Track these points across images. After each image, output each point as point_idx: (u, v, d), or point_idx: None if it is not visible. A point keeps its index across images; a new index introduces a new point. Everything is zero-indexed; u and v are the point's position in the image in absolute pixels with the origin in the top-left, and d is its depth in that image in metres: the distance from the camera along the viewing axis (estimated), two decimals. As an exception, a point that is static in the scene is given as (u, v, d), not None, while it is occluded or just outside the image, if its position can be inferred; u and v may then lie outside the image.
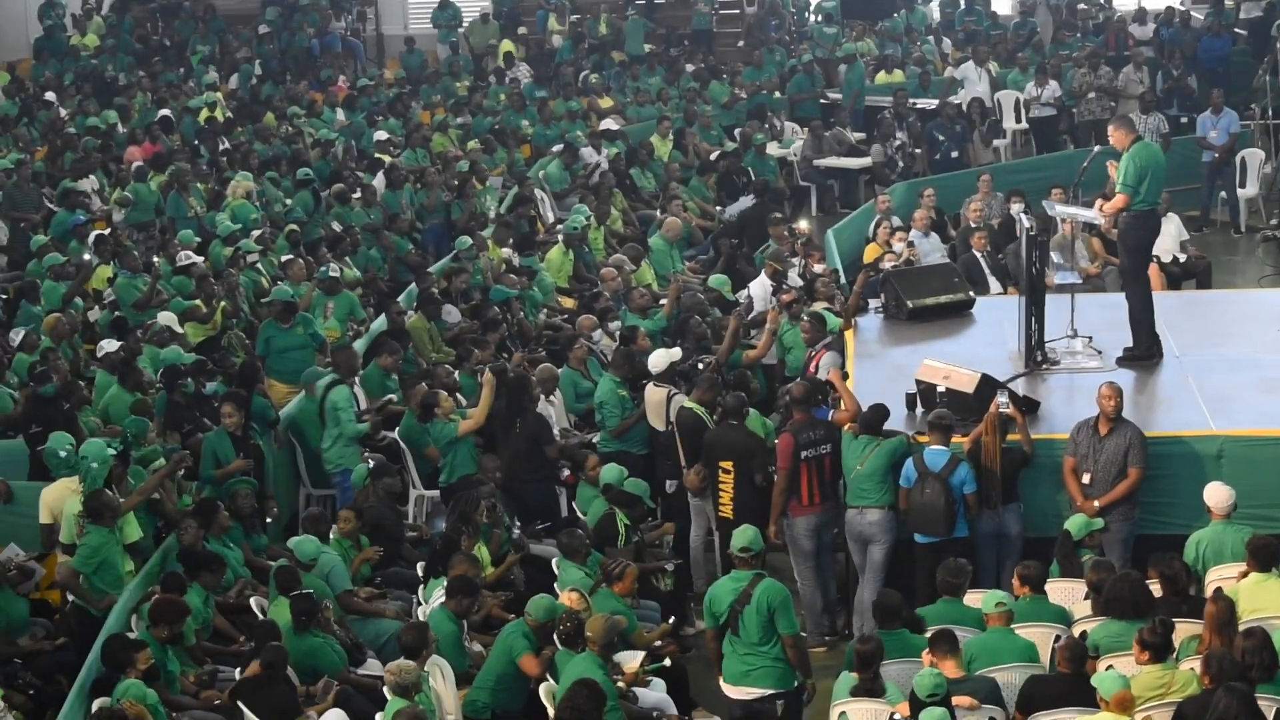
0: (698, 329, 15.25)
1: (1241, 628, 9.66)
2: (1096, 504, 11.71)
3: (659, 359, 13.80)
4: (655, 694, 10.73)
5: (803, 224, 20.39)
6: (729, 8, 31.71)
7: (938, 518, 11.66)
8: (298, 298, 16.17)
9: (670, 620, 11.54)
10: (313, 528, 12.22)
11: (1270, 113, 23.11)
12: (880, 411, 12.09)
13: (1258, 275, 19.75)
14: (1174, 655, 9.70)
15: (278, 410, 14.60)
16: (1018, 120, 25.31)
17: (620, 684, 10.30)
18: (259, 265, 18.05)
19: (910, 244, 17.72)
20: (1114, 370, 13.30)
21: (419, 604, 11.73)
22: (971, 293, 15.62)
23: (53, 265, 17.34)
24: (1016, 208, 17.80)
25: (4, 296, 17.44)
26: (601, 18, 30.63)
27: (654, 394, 13.56)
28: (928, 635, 10.02)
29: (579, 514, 13.08)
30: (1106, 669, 9.43)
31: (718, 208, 21.80)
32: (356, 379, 14.73)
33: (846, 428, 12.16)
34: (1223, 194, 21.95)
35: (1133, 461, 11.77)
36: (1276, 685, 9.24)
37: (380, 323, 16.58)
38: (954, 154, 23.16)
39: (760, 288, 16.37)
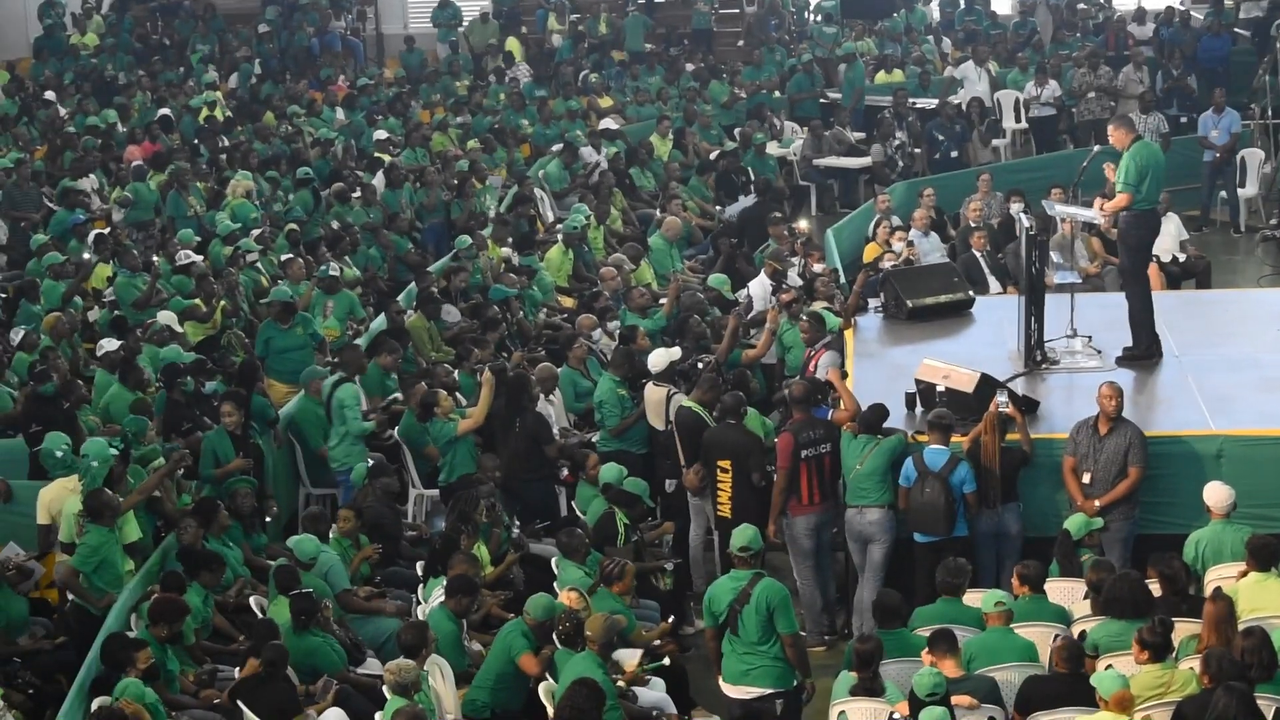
0: (697, 328, 15.25)
1: (1241, 627, 9.67)
2: (1097, 503, 11.71)
3: (658, 358, 13.80)
4: (655, 693, 10.73)
5: (802, 223, 20.38)
6: (729, 7, 31.71)
7: (937, 517, 11.66)
8: (296, 297, 16.17)
9: (669, 619, 11.53)
10: (312, 527, 12.23)
11: (1270, 112, 23.11)
12: (879, 411, 12.10)
13: (1257, 275, 19.75)
14: (1173, 655, 9.70)
15: (277, 409, 14.59)
16: (1017, 120, 25.31)
17: (620, 683, 10.31)
18: (259, 264, 18.05)
19: (910, 243, 17.71)
20: (1113, 370, 13.31)
21: (418, 603, 11.73)
22: (971, 292, 15.62)
23: (52, 264, 17.35)
24: (1016, 207, 17.81)
25: (4, 295, 17.44)
26: (601, 17, 30.63)
27: (653, 393, 13.56)
28: (926, 635, 10.02)
29: (578, 513, 13.08)
30: (1106, 668, 9.43)
31: (717, 207, 21.80)
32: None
33: (846, 427, 12.16)
34: (1222, 194, 21.94)
35: (1133, 461, 11.77)
36: (1276, 685, 9.24)
37: (380, 322, 16.58)
38: (953, 154, 23.17)
39: (760, 287, 16.37)
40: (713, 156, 23.16)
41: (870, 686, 9.67)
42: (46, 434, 12.93)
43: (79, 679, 10.46)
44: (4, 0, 31.39)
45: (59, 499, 12.30)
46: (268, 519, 13.31)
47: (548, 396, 14.43)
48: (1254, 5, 27.98)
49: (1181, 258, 18.26)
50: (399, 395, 14.67)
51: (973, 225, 18.20)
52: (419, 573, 12.15)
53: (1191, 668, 9.46)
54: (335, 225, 19.37)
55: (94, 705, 9.92)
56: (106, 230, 19.15)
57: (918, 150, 23.65)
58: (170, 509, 12.58)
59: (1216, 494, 11.27)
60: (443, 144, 23.99)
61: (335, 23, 31.49)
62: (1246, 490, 11.53)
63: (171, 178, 20.71)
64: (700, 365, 13.86)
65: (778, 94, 26.63)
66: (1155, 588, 10.49)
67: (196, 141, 23.71)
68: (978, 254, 17.62)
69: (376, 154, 22.93)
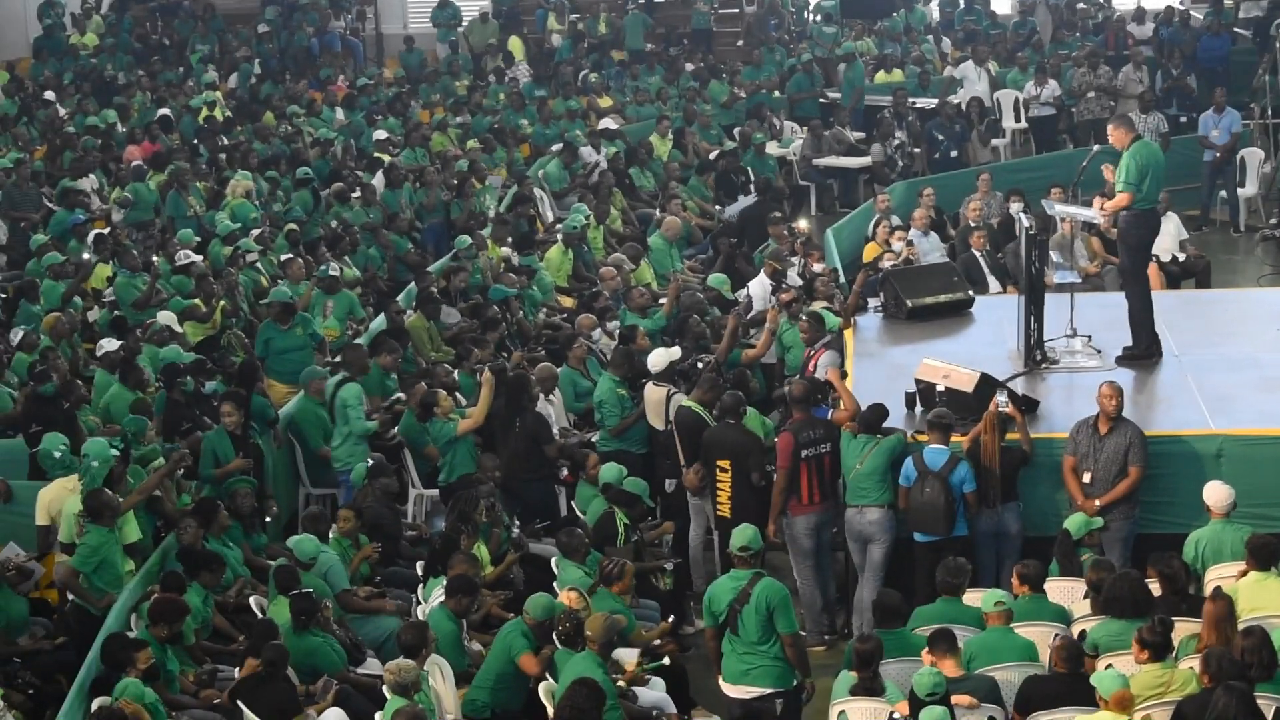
0: (697, 328, 15.25)
1: (1241, 626, 9.67)
2: (1097, 503, 11.71)
3: (658, 358, 13.79)
4: (655, 693, 10.74)
5: (802, 223, 20.38)
6: (728, 7, 31.70)
7: (937, 517, 11.66)
8: (296, 298, 16.17)
9: (669, 619, 11.53)
10: (312, 527, 12.22)
11: (1270, 112, 23.11)
12: (879, 411, 12.10)
13: (1257, 274, 19.75)
14: (1173, 654, 9.71)
15: (277, 410, 14.59)
16: (1017, 119, 25.31)
17: (620, 683, 10.31)
18: (258, 264, 18.05)
19: (909, 243, 17.71)
20: (1113, 369, 13.31)
21: (418, 603, 11.73)
22: (971, 292, 15.61)
23: (52, 264, 17.35)
24: (1016, 207, 17.81)
25: (3, 296, 17.44)
26: (601, 17, 30.63)
27: (653, 393, 13.56)
28: (926, 634, 10.02)
29: (578, 513, 13.07)
30: (1106, 668, 9.44)
31: (717, 207, 21.80)
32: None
33: (845, 427, 12.16)
34: (1222, 193, 21.94)
35: (1133, 460, 11.77)
36: (1276, 684, 9.24)
37: (379, 322, 16.58)
38: (953, 153, 23.17)
39: (759, 287, 16.37)
40: (712, 156, 23.16)
41: (870, 686, 9.67)
42: (44, 435, 12.93)
43: (79, 679, 10.46)
44: (3, 0, 31.39)
45: (59, 499, 12.30)
46: (268, 519, 13.31)
47: (547, 396, 14.43)
48: (1253, 5, 27.98)
49: (1181, 257, 18.26)
50: (402, 395, 14.67)
51: (972, 225, 18.20)
52: (419, 573, 12.15)
53: (1191, 667, 9.46)
54: (335, 225, 19.36)
55: (94, 705, 9.92)
56: (106, 230, 19.15)
57: (917, 150, 23.65)
58: (170, 509, 12.58)
59: (1216, 493, 11.27)
60: (442, 144, 23.99)
61: (335, 23, 31.50)
62: (1246, 490, 11.54)
63: (171, 178, 20.71)
64: (700, 365, 13.86)
65: (777, 94, 26.63)
66: (1155, 587, 10.50)
67: (196, 141, 23.72)
68: (977, 253, 17.62)
69: (376, 154, 22.94)
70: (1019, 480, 12.00)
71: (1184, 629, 9.98)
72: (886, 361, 14.11)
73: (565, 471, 13.77)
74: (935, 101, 24.53)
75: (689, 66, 28.06)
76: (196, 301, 16.67)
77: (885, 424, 12.07)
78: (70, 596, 11.65)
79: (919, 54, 27.69)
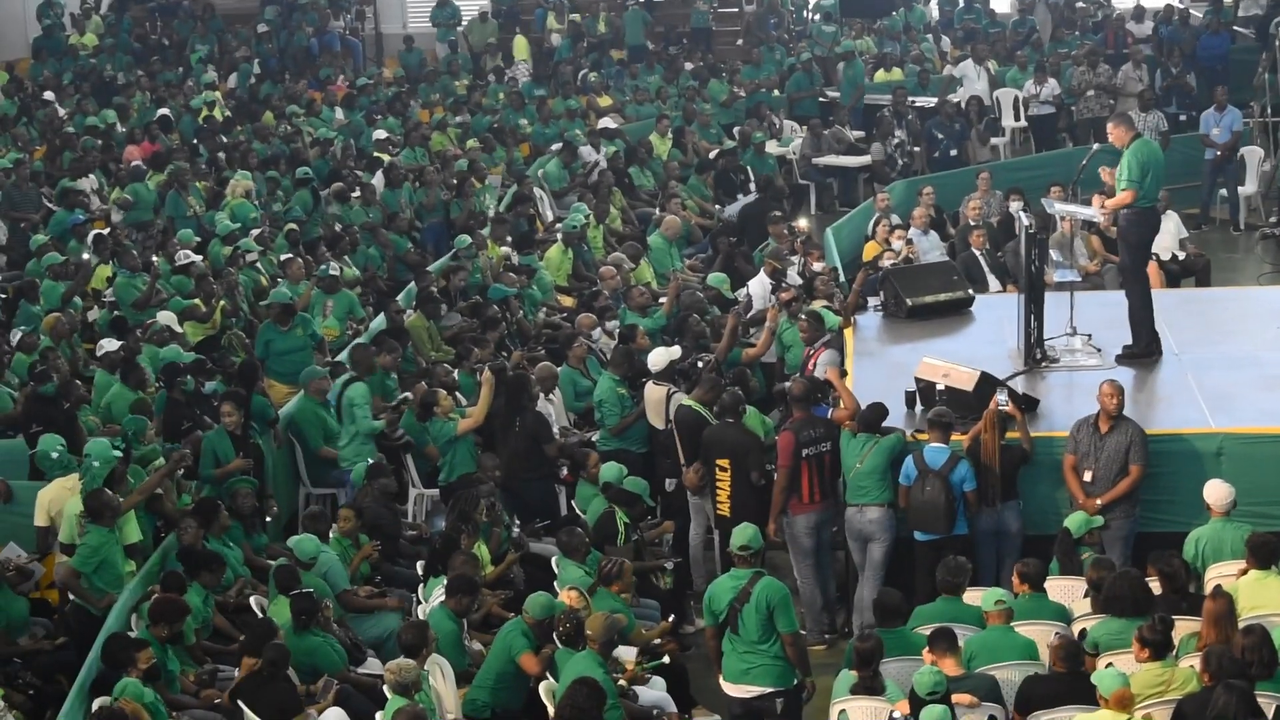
0: (696, 327, 15.25)
1: (1241, 625, 9.67)
2: (1099, 502, 11.71)
3: (658, 357, 13.79)
4: (655, 692, 10.74)
5: (802, 222, 20.37)
6: (728, 6, 31.70)
7: (938, 515, 11.67)
8: (295, 298, 16.16)
9: (670, 618, 11.54)
10: (312, 527, 12.23)
11: (1270, 110, 23.11)
12: (878, 409, 12.10)
13: (1257, 273, 19.74)
14: (1174, 653, 9.71)
15: (277, 410, 14.59)
16: (1017, 118, 25.31)
17: (620, 682, 10.31)
18: (258, 264, 18.05)
19: (909, 242, 17.70)
20: (1113, 368, 13.31)
21: (419, 603, 11.73)
22: (970, 291, 15.61)
23: (52, 265, 17.35)
24: (1015, 205, 17.80)
25: (3, 296, 17.43)
26: (600, 16, 30.63)
27: (653, 392, 13.56)
28: (927, 633, 10.02)
29: (578, 512, 13.08)
30: (1106, 666, 9.44)
31: (716, 206, 21.80)
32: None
33: (845, 426, 12.16)
34: (1222, 192, 21.94)
35: (1134, 459, 11.77)
36: (1276, 682, 9.24)
37: (379, 321, 16.59)
38: (953, 152, 23.17)
39: (759, 286, 16.36)
40: (712, 155, 23.17)
41: (871, 685, 9.67)
42: (41, 436, 12.93)
43: (79, 679, 10.46)
44: (3, 1, 31.39)
45: (58, 499, 12.31)
46: (268, 519, 13.31)
47: (547, 396, 14.43)
48: (1253, 3, 27.98)
49: (1181, 256, 18.25)
50: (409, 395, 14.65)
51: (972, 223, 18.19)
52: (419, 572, 12.15)
53: (1192, 666, 9.46)
54: (336, 227, 19.36)
55: (94, 705, 9.92)
56: (106, 231, 19.15)
57: (917, 149, 23.65)
58: (170, 509, 12.58)
59: (1216, 492, 11.27)
60: (442, 143, 23.99)
61: (334, 22, 31.51)
62: (1246, 488, 11.54)
63: (171, 178, 20.72)
64: (700, 364, 13.86)
65: (777, 93, 26.62)
66: (1155, 586, 10.50)
67: (196, 141, 23.72)
68: (977, 252, 17.62)
69: (376, 153, 22.94)
70: (1019, 479, 12.00)
71: (1184, 627, 9.98)
72: (886, 360, 14.11)
73: (565, 471, 13.77)
74: (935, 100, 24.53)
75: (688, 65, 28.06)
76: (196, 301, 16.67)
77: (885, 423, 12.07)
78: (71, 597, 11.65)
79: (918, 53, 27.69)
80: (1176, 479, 12.03)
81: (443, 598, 11.03)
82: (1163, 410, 12.81)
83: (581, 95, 26.73)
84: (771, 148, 23.78)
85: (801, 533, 12.19)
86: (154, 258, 17.97)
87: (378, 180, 21.16)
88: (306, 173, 21.11)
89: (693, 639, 12.09)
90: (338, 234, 18.85)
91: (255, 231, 18.79)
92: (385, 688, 9.87)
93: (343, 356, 15.65)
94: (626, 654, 10.70)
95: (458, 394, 14.41)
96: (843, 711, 9.67)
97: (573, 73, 28.11)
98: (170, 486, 12.78)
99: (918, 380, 12.78)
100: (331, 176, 21.42)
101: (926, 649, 9.81)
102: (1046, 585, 10.77)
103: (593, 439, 14.01)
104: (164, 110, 25.04)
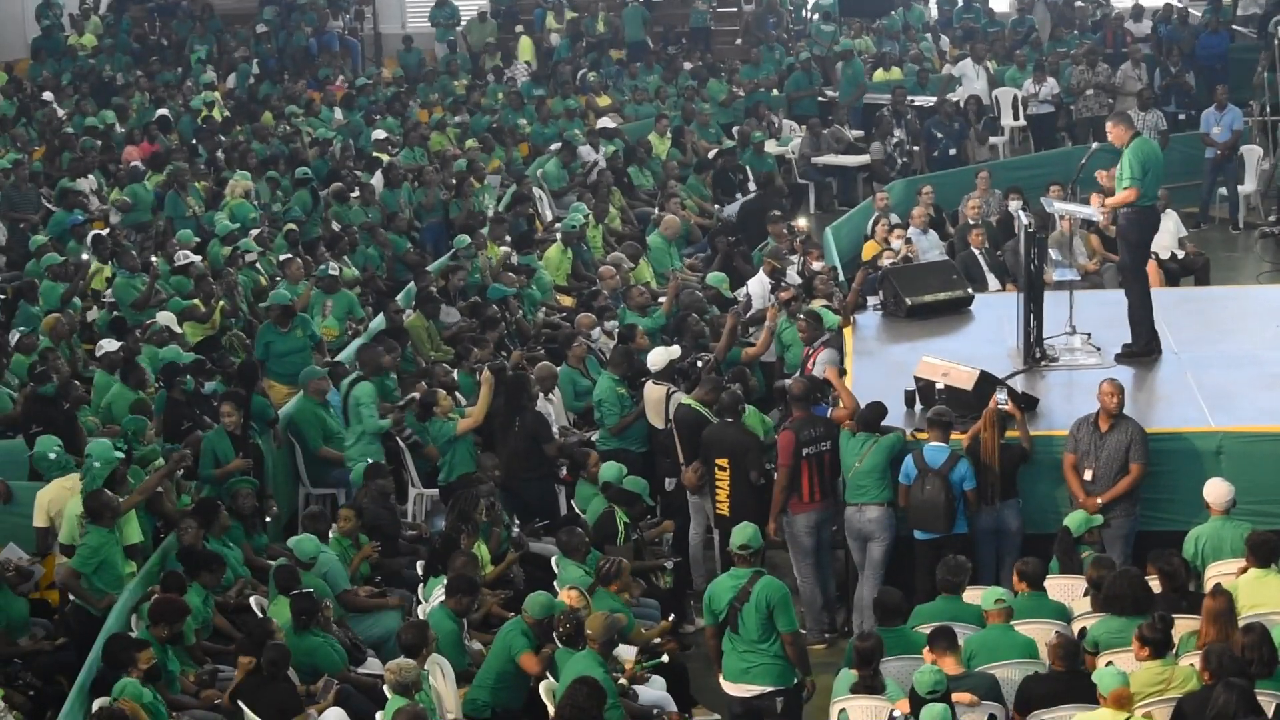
0: (696, 327, 15.25)
1: (1241, 623, 9.67)
2: (1099, 500, 11.71)
3: (658, 357, 13.80)
4: (655, 692, 10.74)
5: (801, 221, 20.37)
6: (727, 5, 31.67)
7: (938, 514, 11.67)
8: (295, 298, 16.16)
9: (670, 618, 11.54)
10: (312, 527, 12.23)
11: (1269, 109, 23.11)
12: (878, 408, 12.10)
13: (1256, 272, 19.75)
14: (1173, 651, 9.71)
15: (277, 410, 14.59)
16: (1016, 117, 25.31)
17: (621, 681, 10.31)
18: (258, 264, 18.05)
19: (908, 241, 17.70)
20: (1113, 367, 13.31)
21: (419, 602, 11.73)
22: (970, 290, 15.61)
23: (51, 265, 17.35)
24: (1015, 205, 17.81)
25: (3, 297, 17.43)
26: (599, 15, 30.63)
27: (653, 392, 13.57)
28: (927, 632, 10.03)
29: (578, 512, 13.08)
30: (1106, 665, 9.44)
31: (715, 205, 21.80)
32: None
33: (844, 425, 12.16)
34: (1222, 190, 21.94)
35: (1134, 457, 11.77)
36: (1276, 681, 9.24)
37: (379, 321, 16.59)
38: (952, 151, 23.18)
39: (758, 285, 16.36)
40: (711, 155, 23.17)
41: (871, 684, 9.67)
42: (38, 438, 12.93)
43: (79, 680, 10.46)
44: (2, 1, 31.38)
45: (58, 500, 12.31)
46: (268, 519, 13.31)
47: (547, 395, 14.44)
48: (1252, 2, 27.98)
49: (1180, 254, 18.25)
50: (415, 395, 14.64)
51: (971, 223, 18.19)
52: (419, 572, 12.15)
53: (1192, 664, 9.46)
54: (335, 227, 19.36)
55: (94, 706, 9.92)
56: (105, 231, 19.14)
57: (916, 148, 23.64)
58: (170, 509, 12.58)
59: (1216, 490, 11.27)
60: (441, 143, 23.99)
61: (333, 22, 31.49)
62: (1246, 486, 11.54)
63: (170, 178, 20.71)
64: (699, 364, 13.87)
65: (776, 92, 26.62)
66: (1155, 584, 10.50)
67: (195, 142, 23.71)
68: (976, 251, 17.62)
69: (375, 153, 22.94)
70: (1019, 478, 12.00)
71: (1184, 626, 9.98)
72: (886, 359, 14.11)
73: (564, 470, 13.77)
74: (934, 99, 24.52)
75: (687, 65, 28.05)
76: (196, 302, 16.67)
77: (884, 422, 12.07)
78: (71, 597, 11.65)
79: (917, 52, 27.67)
80: (1176, 478, 12.03)
81: (443, 597, 11.03)
82: (1162, 409, 12.81)
83: (580, 95, 26.72)
84: (770, 147, 23.78)
85: (801, 532, 12.19)
86: (153, 258, 17.96)
87: (377, 180, 21.16)
88: (306, 173, 21.11)
89: (693, 638, 12.09)
90: (337, 234, 18.85)
91: (254, 232, 18.79)
92: (385, 688, 9.87)
93: (342, 356, 15.65)
94: (626, 653, 10.70)
95: (457, 394, 14.41)
96: (843, 710, 9.67)
97: (571, 72, 28.11)
98: (170, 487, 12.78)
99: (917, 379, 12.78)
100: (330, 176, 21.42)
101: (926, 648, 9.82)
102: (1046, 584, 10.78)
103: (592, 439, 14.01)
104: (163, 110, 25.04)
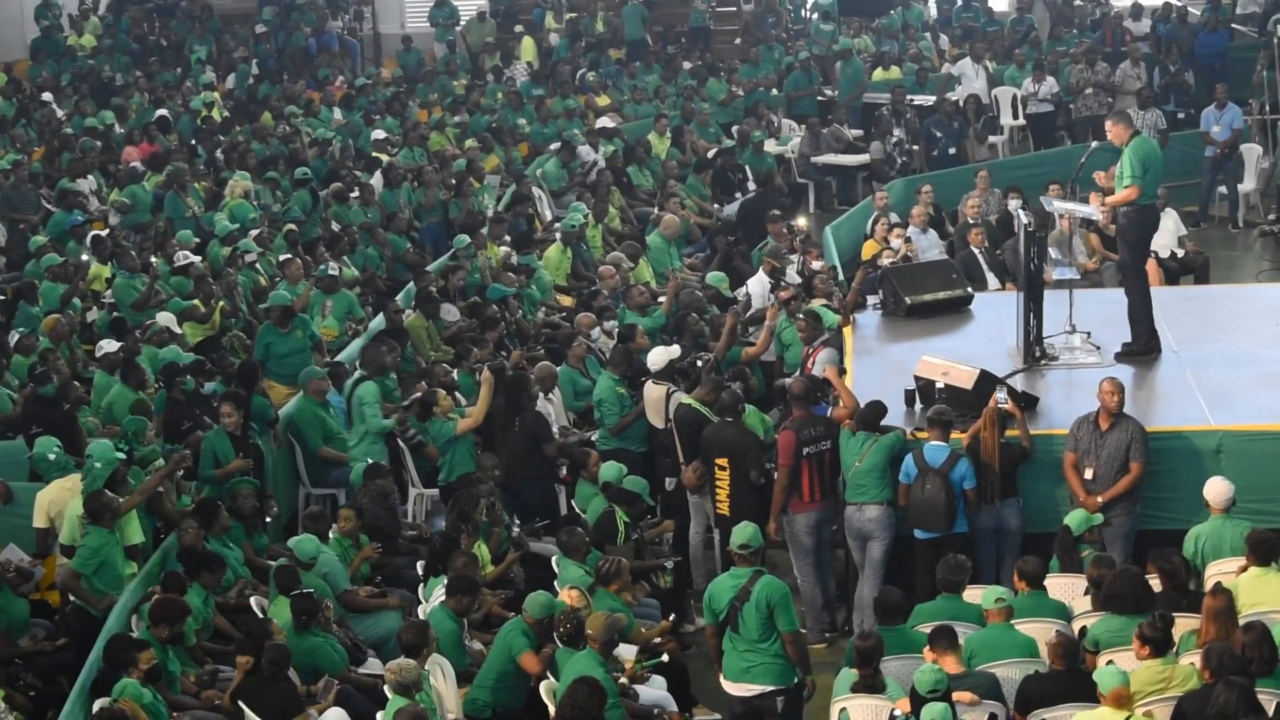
0: (695, 326, 15.25)
1: (1241, 622, 9.67)
2: (1100, 499, 11.71)
3: (658, 356, 13.80)
4: (656, 691, 10.74)
5: (800, 221, 20.37)
6: (726, 5, 31.67)
7: (938, 513, 11.67)
8: (295, 298, 16.16)
9: (670, 617, 11.54)
10: (312, 527, 12.23)
11: (1268, 108, 23.12)
12: (877, 408, 12.10)
13: (1255, 270, 19.76)
14: (1174, 650, 9.71)
15: (277, 410, 14.59)
16: (1015, 116, 25.31)
17: (621, 681, 10.32)
18: (257, 265, 18.04)
19: (908, 240, 17.70)
20: (1112, 365, 13.31)
21: (419, 603, 11.74)
22: (969, 289, 15.61)
23: (51, 266, 17.34)
24: (1014, 204, 17.81)
25: (2, 297, 17.43)
26: (598, 15, 30.63)
27: (653, 391, 13.57)
28: (927, 631, 10.03)
29: (578, 512, 13.08)
30: (1107, 664, 9.44)
31: (715, 205, 21.80)
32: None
33: (844, 424, 12.16)
34: (1221, 189, 21.94)
35: (1135, 456, 11.77)
36: (1276, 679, 9.25)
37: (378, 321, 16.59)
38: (951, 150, 23.18)
39: (758, 285, 16.36)
40: (710, 154, 23.16)
41: (871, 683, 9.68)
42: (37, 439, 12.93)
43: (80, 680, 10.46)
44: (1, 2, 31.38)
45: (59, 500, 12.31)
46: (268, 519, 13.31)
47: (547, 395, 14.44)
48: (1251, 0, 27.97)
49: (1180, 253, 18.25)
50: (419, 395, 14.64)
51: (971, 222, 18.19)
52: (419, 572, 12.15)
53: (1192, 663, 9.47)
54: (335, 227, 19.36)
55: (95, 707, 9.92)
56: (105, 232, 19.14)
57: (915, 147, 23.63)
58: (170, 510, 12.58)
59: (1216, 489, 11.27)
60: (440, 143, 23.99)
61: (332, 23, 31.50)
62: (1246, 485, 11.54)
63: (170, 179, 20.71)
64: (699, 363, 13.87)
65: (775, 91, 26.62)
66: (1155, 583, 10.50)
67: (194, 142, 23.71)
68: (976, 250, 17.61)
69: (374, 154, 22.94)
70: (1019, 476, 12.01)
71: (1184, 625, 9.99)
72: (885, 359, 14.11)
73: (564, 470, 13.77)
74: (933, 98, 24.51)
75: (686, 64, 28.05)
76: (195, 302, 16.66)
77: (884, 421, 12.07)
78: (71, 598, 11.64)
79: (916, 51, 27.67)
80: (1176, 476, 12.03)
81: (443, 597, 11.03)
82: (1162, 408, 12.81)
83: (580, 94, 26.71)
84: (770, 146, 23.78)
85: (802, 531, 12.20)
86: (153, 259, 17.96)
87: (376, 180, 21.16)
88: (305, 173, 21.10)
89: (693, 638, 12.09)
90: (336, 234, 18.85)
91: (254, 232, 18.79)
92: (386, 688, 9.87)
93: (342, 356, 15.66)
94: (627, 653, 10.70)
95: (457, 394, 14.41)
96: (843, 710, 9.68)
97: (571, 72, 28.11)
98: (170, 487, 12.78)
99: (917, 378, 12.78)
100: (330, 177, 21.42)
101: (927, 647, 9.82)
102: (1046, 583, 10.78)
103: (592, 438, 14.02)
104: (162, 111, 25.05)
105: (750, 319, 15.76)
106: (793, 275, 16.52)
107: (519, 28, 30.58)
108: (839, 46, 27.48)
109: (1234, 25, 26.92)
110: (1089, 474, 11.84)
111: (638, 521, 12.46)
